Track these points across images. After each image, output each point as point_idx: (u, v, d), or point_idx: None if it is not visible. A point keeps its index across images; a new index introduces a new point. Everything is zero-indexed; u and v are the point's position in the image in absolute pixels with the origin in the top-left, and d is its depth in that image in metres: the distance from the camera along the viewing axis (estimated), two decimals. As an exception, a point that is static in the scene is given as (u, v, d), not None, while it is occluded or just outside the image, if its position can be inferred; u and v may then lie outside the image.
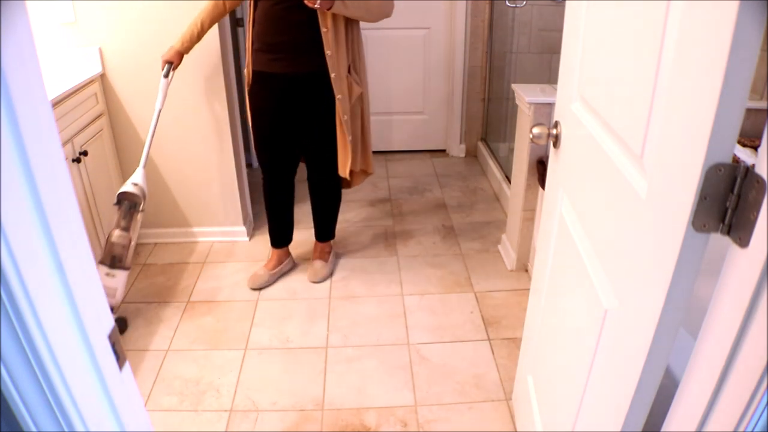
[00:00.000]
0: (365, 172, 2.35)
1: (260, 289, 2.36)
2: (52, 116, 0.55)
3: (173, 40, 2.32)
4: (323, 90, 2.05)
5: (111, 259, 2.03)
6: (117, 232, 2.03)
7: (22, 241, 0.50)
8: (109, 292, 2.03)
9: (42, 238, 0.53)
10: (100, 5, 2.24)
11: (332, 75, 2.00)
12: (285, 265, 2.46)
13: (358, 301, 2.30)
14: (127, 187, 2.03)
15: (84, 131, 2.18)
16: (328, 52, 1.97)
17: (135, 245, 2.08)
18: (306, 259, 2.56)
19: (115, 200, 2.04)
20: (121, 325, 2.14)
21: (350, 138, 2.12)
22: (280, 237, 2.44)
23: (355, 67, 2.11)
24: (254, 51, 2.08)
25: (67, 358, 0.57)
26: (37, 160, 0.51)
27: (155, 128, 2.13)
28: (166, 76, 2.12)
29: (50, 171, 0.54)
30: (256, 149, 2.26)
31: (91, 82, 2.25)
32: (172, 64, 2.13)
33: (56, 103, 1.98)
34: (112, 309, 2.07)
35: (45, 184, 0.52)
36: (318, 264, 2.45)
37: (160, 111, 2.13)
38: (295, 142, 2.21)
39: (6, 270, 0.49)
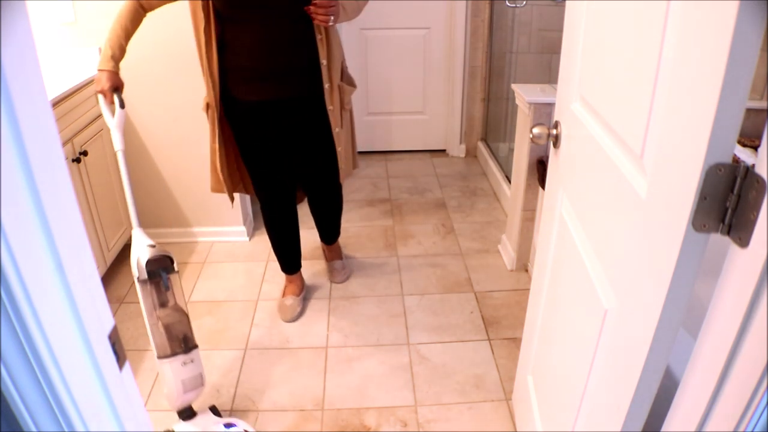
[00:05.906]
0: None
1: (295, 320, 2.21)
2: (52, 116, 0.55)
3: (173, 40, 2.32)
4: (318, 107, 1.91)
5: (180, 344, 1.64)
6: (166, 312, 1.62)
7: (22, 241, 0.50)
8: (196, 383, 1.65)
9: (42, 238, 0.53)
10: (100, 5, 2.24)
11: (326, 86, 1.86)
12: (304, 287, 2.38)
13: (358, 301, 2.30)
14: (146, 254, 1.56)
15: (84, 131, 2.18)
16: (323, 62, 1.82)
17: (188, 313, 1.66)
18: (309, 259, 2.56)
19: (140, 276, 1.56)
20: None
21: (340, 149, 2.00)
22: (294, 263, 2.30)
23: (343, 68, 1.98)
24: (231, 79, 1.83)
25: (67, 358, 0.57)
26: (37, 160, 0.51)
27: (128, 175, 1.65)
28: (123, 106, 1.69)
29: (50, 171, 0.54)
30: (253, 185, 2.08)
31: (91, 82, 2.25)
32: (120, 89, 1.73)
33: (56, 103, 1.99)
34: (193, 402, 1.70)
35: (45, 184, 0.52)
36: (338, 264, 2.46)
37: (123, 151, 1.66)
38: (293, 167, 2.08)
39: (6, 270, 0.49)
